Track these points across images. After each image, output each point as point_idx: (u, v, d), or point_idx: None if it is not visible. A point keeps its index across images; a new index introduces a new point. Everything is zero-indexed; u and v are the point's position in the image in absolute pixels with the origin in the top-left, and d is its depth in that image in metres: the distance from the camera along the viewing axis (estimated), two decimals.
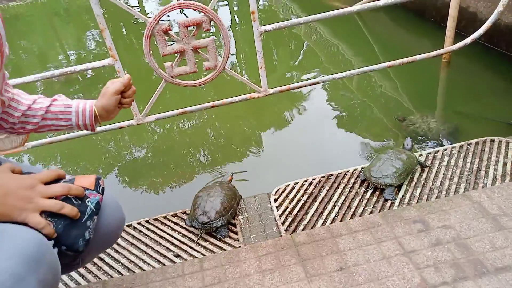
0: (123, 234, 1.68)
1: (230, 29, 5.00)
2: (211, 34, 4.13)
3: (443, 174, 1.80)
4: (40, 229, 0.75)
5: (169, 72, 1.63)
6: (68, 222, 0.81)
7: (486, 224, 1.35)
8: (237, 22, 5.27)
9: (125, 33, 5.63)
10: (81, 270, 1.51)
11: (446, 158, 1.90)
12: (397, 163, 1.78)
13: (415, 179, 1.80)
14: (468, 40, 1.95)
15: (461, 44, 1.98)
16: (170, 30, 1.56)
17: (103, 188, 0.94)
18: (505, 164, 1.80)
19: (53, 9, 7.69)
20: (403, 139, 2.16)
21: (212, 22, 1.57)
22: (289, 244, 1.39)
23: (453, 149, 1.95)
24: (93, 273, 1.49)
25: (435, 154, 1.94)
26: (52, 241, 0.79)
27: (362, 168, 1.92)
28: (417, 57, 1.96)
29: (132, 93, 1.12)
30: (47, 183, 0.81)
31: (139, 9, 7.06)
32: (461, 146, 1.96)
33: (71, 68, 1.67)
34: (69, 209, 0.80)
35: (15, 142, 1.76)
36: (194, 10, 1.52)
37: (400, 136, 2.51)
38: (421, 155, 1.95)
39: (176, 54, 1.66)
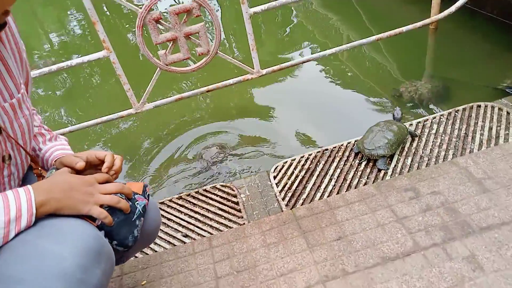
0: None
1: (220, 11, 4.94)
2: (203, 20, 4.10)
3: (432, 142, 1.89)
4: (102, 219, 0.85)
5: (163, 60, 1.67)
6: (121, 219, 0.91)
7: (472, 188, 1.45)
8: (225, 4, 5.19)
9: (115, 23, 5.55)
10: None
11: (435, 126, 1.98)
12: (388, 134, 1.86)
13: (406, 149, 1.89)
14: (452, 8, 1.99)
15: (445, 12, 2.02)
16: (161, 19, 1.59)
17: (149, 195, 1.06)
18: (490, 129, 1.88)
19: None
20: (393, 109, 2.24)
21: (201, 8, 1.60)
22: (291, 218, 1.49)
23: (441, 117, 2.03)
24: None
25: (425, 123, 2.02)
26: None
27: (355, 141, 2.01)
28: (404, 28, 2.00)
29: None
30: (101, 184, 0.90)
31: None
32: (449, 113, 2.04)
33: (67, 62, 1.71)
34: (124, 204, 0.90)
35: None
36: None
37: (390, 107, 2.59)
38: (411, 124, 2.04)
39: (168, 42, 1.69)
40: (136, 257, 1.54)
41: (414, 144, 1.90)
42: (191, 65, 1.77)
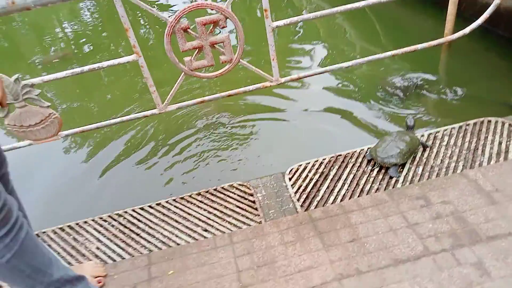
0: (154, 211, 1.86)
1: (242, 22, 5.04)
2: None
3: (443, 153, 1.97)
4: None
5: (188, 66, 1.76)
6: None
7: (480, 199, 1.53)
8: (244, 17, 5.27)
9: (144, 29, 5.64)
10: (122, 244, 1.70)
11: (446, 138, 2.06)
12: (401, 144, 1.94)
13: (417, 158, 1.97)
14: (467, 30, 2.06)
15: (460, 33, 2.09)
16: (189, 28, 1.68)
17: None
18: (500, 143, 1.96)
19: None
20: (406, 118, 2.31)
21: (227, 20, 1.69)
22: (307, 219, 1.58)
23: (452, 130, 2.11)
24: (132, 247, 1.69)
25: (436, 134, 2.11)
26: None
27: (368, 148, 2.09)
28: (419, 46, 2.08)
29: None
30: None
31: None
32: (460, 127, 2.13)
33: (98, 64, 1.79)
34: None
35: (50, 132, 1.90)
36: (212, 9, 1.64)
37: (404, 115, 2.67)
38: (422, 135, 2.12)
39: (194, 50, 1.78)
40: (159, 248, 1.63)
41: (425, 154, 1.98)
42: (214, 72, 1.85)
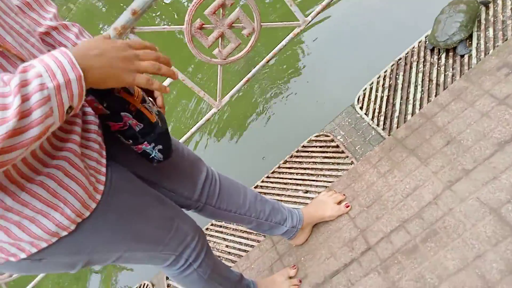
0: None
1: None
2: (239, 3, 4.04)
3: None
4: (151, 86, 0.73)
5: (220, 57, 1.78)
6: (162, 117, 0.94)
7: None
8: None
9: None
10: (244, 235, 1.88)
11: None
12: (458, 16, 1.75)
13: (483, 20, 1.77)
14: None
15: None
16: (204, 24, 1.69)
17: None
18: None
19: None
20: None
21: None
22: (394, 143, 1.56)
23: None
24: (253, 233, 1.86)
25: None
26: None
27: (426, 37, 1.93)
28: None
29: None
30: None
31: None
32: None
33: None
34: (166, 70, 0.76)
35: None
36: None
37: None
38: None
39: (218, 39, 1.79)
40: None
41: (490, 13, 1.77)
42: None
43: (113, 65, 0.68)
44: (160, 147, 0.93)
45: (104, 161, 0.86)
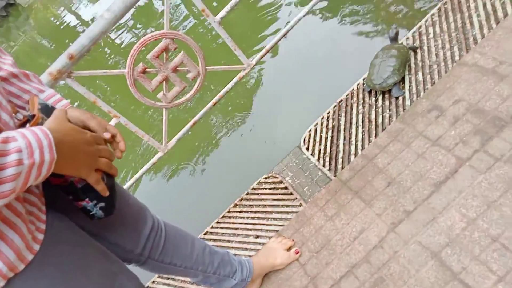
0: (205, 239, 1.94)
1: (194, 22, 4.82)
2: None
3: (434, 46, 1.89)
4: (97, 189, 0.77)
5: (165, 100, 1.76)
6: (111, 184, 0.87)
7: (488, 81, 1.47)
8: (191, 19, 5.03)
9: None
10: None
11: (430, 30, 1.96)
12: (390, 61, 1.87)
13: (412, 65, 1.90)
14: None
15: None
16: (147, 68, 1.66)
17: None
18: (484, 5, 1.85)
19: None
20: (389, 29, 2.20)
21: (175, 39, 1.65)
22: (339, 185, 1.59)
23: (433, 17, 2.00)
24: None
25: (420, 31, 2.01)
26: None
27: (363, 79, 2.03)
28: None
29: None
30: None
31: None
32: (439, 10, 2.01)
33: None
34: (115, 169, 0.82)
35: None
36: (156, 40, 1.60)
37: (385, 29, 2.55)
38: (407, 38, 2.03)
39: (162, 83, 1.76)
40: None
41: (419, 57, 1.91)
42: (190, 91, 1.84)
43: (79, 158, 0.72)
44: (102, 204, 0.87)
45: (44, 208, 0.78)
